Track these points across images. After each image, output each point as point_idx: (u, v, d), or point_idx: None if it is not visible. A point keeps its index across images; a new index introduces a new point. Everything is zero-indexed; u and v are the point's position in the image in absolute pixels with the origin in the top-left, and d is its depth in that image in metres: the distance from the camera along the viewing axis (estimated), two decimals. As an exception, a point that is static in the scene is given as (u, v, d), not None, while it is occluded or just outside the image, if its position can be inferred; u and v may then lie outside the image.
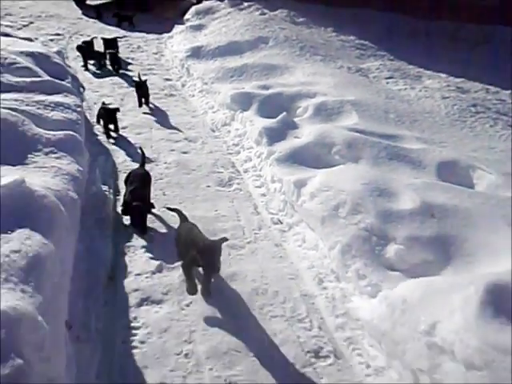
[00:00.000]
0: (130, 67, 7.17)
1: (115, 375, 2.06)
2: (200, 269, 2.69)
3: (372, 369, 2.24)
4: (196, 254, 2.51)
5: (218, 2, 10.15)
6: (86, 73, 6.76)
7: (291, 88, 5.42)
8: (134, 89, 5.63)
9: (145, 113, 5.41)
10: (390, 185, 3.12)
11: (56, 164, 2.97)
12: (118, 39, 7.78)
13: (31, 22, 9.88)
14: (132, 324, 2.37)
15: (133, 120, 5.14)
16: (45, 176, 2.75)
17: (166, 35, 9.28)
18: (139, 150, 3.81)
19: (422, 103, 5.66)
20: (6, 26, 7.86)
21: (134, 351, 2.20)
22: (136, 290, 2.60)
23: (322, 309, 2.62)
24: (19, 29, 8.87)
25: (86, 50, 6.88)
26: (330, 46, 7.46)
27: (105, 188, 3.61)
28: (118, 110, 4.76)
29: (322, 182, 3.23)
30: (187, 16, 9.94)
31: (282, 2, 9.08)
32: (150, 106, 5.57)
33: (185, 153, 4.50)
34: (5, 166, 2.71)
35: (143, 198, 3.20)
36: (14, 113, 3.23)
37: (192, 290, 2.55)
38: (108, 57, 6.81)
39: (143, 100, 5.50)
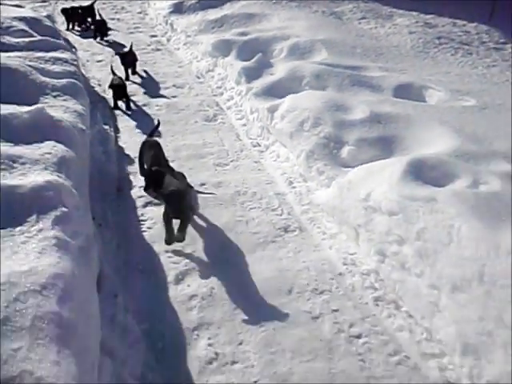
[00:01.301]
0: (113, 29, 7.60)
1: (130, 248, 2.76)
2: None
3: (327, 235, 2.94)
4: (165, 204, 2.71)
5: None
6: (74, 35, 7.23)
7: (267, 33, 5.94)
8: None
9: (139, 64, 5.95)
10: (347, 102, 3.75)
11: (64, 104, 3.57)
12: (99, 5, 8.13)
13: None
14: (140, 218, 3.05)
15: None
16: (56, 112, 3.36)
17: (148, -6, 9.63)
18: (156, 122, 3.86)
19: (390, 39, 6.19)
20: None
21: (144, 234, 2.90)
22: (141, 197, 3.27)
23: (291, 201, 3.30)
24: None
25: (69, 13, 7.33)
26: (306, -7, 7.86)
27: (106, 127, 4.24)
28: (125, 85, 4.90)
29: (289, 105, 3.86)
30: (167, -27, 10.21)
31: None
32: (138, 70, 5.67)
33: (174, 96, 5.10)
34: (23, 105, 3.33)
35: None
36: (23, 64, 3.82)
37: (168, 241, 2.72)
38: (94, 26, 7.13)
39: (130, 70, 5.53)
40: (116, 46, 6.58)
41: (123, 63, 5.42)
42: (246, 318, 2.29)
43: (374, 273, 2.59)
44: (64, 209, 2.03)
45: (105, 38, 6.94)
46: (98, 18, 7.18)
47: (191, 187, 3.08)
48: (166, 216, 2.77)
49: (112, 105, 4.74)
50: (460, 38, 6.41)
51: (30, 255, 1.71)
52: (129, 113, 4.65)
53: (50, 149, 2.50)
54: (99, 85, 5.35)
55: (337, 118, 3.53)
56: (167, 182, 2.77)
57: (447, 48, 5.99)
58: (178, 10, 7.62)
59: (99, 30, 6.94)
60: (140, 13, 8.72)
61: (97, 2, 7.61)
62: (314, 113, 3.61)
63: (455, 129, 3.29)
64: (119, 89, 4.67)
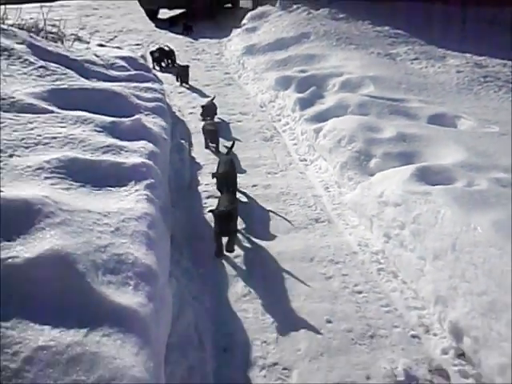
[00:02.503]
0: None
1: (194, 223, 3.66)
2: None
3: (349, 226, 3.66)
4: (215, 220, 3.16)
5: (271, 7, 11.80)
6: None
7: (324, 70, 6.86)
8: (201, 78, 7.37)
9: (210, 94, 7.10)
10: (379, 125, 4.49)
11: (152, 120, 4.66)
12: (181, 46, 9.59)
13: (116, 36, 12.13)
14: (203, 205, 3.96)
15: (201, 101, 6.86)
16: (148, 123, 4.44)
17: (225, 39, 11.06)
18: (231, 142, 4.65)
19: (437, 77, 6.84)
20: (99, 39, 10.09)
21: (204, 215, 3.79)
22: (205, 191, 4.20)
23: (325, 201, 4.06)
24: (108, 41, 11.09)
25: (156, 54, 8.77)
26: (365, 37, 8.77)
27: (182, 141, 5.30)
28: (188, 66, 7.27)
29: (331, 126, 4.67)
30: (244, 21, 11.65)
31: (326, 2, 10.51)
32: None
33: (239, 121, 6.10)
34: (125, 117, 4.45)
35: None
36: (124, 90, 5.01)
37: (217, 254, 3.18)
38: (178, 71, 7.86)
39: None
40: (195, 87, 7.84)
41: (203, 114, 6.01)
42: (274, 271, 3.07)
43: (381, 252, 3.27)
44: (152, 180, 2.98)
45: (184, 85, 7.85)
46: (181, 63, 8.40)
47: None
48: (215, 232, 3.20)
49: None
50: (506, 77, 6.90)
51: (131, 202, 2.65)
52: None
53: (144, 144, 3.51)
54: (179, 110, 6.52)
55: (368, 136, 4.28)
56: (220, 202, 3.32)
57: (491, 85, 6.52)
58: (249, 51, 8.83)
59: (181, 74, 7.79)
60: (217, 54, 10.10)
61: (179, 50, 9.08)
62: (349, 132, 4.39)
63: (468, 147, 3.91)
64: (211, 133, 5.20)
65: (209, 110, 5.98)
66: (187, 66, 7.79)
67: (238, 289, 2.91)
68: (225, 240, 3.23)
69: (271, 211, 3.87)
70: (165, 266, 2.54)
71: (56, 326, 1.68)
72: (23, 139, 3.07)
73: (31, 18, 7.55)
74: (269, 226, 3.65)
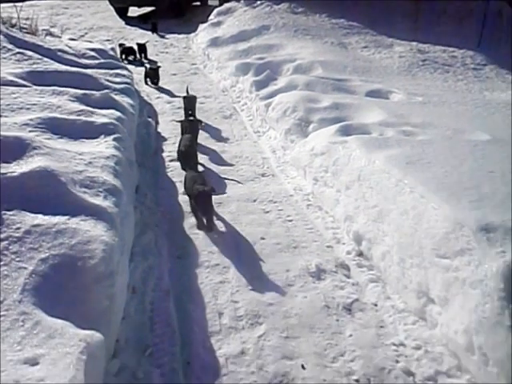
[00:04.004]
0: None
1: (158, 178, 4.37)
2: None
3: (289, 177, 4.43)
4: (193, 202, 3.56)
5: (236, 3, 12.57)
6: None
7: (279, 57, 7.67)
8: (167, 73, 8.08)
9: (177, 82, 7.81)
10: (318, 98, 5.29)
11: (121, 98, 5.36)
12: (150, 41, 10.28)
13: (86, 33, 12.72)
14: (166, 166, 4.68)
15: (167, 87, 7.56)
16: (116, 98, 5.13)
17: (193, 34, 11.79)
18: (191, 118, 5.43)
19: (381, 61, 7.72)
20: (71, 36, 10.70)
21: (167, 173, 4.50)
22: (168, 156, 4.91)
23: (271, 161, 4.83)
24: (79, 38, 11.68)
25: (124, 48, 9.43)
26: (321, 28, 9.62)
27: (149, 119, 6.00)
28: (158, 68, 7.46)
29: (278, 100, 5.45)
30: (210, 17, 12.40)
31: (286, -3, 11.35)
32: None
33: (202, 103, 6.84)
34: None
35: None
36: (95, 74, 5.69)
37: (199, 227, 3.52)
38: (146, 73, 7.83)
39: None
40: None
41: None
42: (223, 208, 3.81)
43: (311, 193, 4.05)
44: (119, 135, 3.70)
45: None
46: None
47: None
48: (195, 210, 3.60)
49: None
50: (444, 61, 7.83)
51: (101, 148, 3.36)
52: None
53: (112, 112, 4.21)
54: (147, 96, 7.22)
55: (308, 106, 5.07)
56: (195, 181, 3.59)
57: (428, 68, 7.43)
58: (214, 43, 9.58)
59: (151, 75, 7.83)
60: (185, 48, 10.84)
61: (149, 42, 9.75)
62: (293, 104, 5.17)
63: (389, 111, 4.73)
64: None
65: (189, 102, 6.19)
66: (157, 68, 7.71)
67: (191, 220, 3.64)
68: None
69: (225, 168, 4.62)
70: (129, 194, 3.26)
71: (46, 214, 2.39)
72: (9, 105, 3.74)
73: (3, 16, 8.16)
74: (221, 182, 4.40)
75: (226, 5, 12.75)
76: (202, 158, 4.83)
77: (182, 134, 4.96)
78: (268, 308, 2.70)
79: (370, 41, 9.03)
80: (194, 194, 3.49)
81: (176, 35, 12.10)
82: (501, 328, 2.07)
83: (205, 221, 3.53)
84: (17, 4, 10.99)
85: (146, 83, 7.78)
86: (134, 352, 2.33)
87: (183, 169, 4.38)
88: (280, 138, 5.12)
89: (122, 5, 14.53)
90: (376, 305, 2.77)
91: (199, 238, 3.41)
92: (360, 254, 3.22)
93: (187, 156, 4.38)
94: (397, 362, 2.34)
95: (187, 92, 6.12)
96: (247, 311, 2.67)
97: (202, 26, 11.61)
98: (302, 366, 2.30)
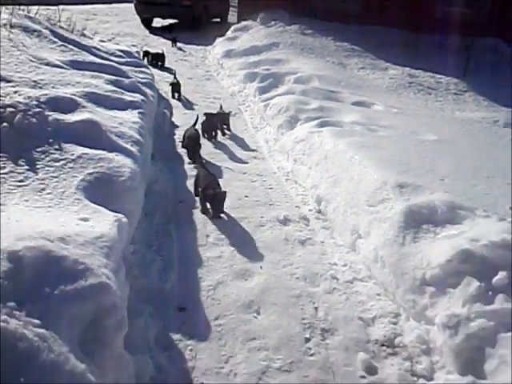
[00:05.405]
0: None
1: (168, 154, 5.43)
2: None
3: (276, 160, 5.48)
4: (205, 198, 3.98)
5: (253, 22, 13.88)
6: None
7: (284, 70, 8.81)
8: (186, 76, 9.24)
9: (191, 85, 8.96)
10: (308, 101, 6.37)
11: (144, 89, 6.48)
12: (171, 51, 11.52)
13: (113, 38, 14.02)
14: (176, 145, 5.74)
15: (183, 88, 8.70)
16: (141, 86, 6.24)
17: (210, 46, 13.06)
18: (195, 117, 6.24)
19: (373, 81, 8.83)
20: (100, 39, 11.98)
21: (178, 151, 5.56)
22: (178, 138, 5.97)
23: (264, 149, 5.89)
24: (106, 41, 12.99)
25: (147, 54, 10.65)
26: (325, 49, 10.80)
27: (165, 111, 7.11)
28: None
29: (275, 101, 6.55)
30: (228, 32, 13.69)
31: (298, 20, 12.60)
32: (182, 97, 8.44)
33: (212, 102, 7.95)
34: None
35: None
36: (123, 68, 6.83)
37: (204, 212, 4.00)
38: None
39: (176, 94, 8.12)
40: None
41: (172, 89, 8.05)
42: (219, 175, 4.84)
43: (291, 171, 5.08)
44: (142, 110, 4.78)
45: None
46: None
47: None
48: (203, 201, 4.03)
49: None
50: (429, 85, 8.93)
51: (129, 116, 4.43)
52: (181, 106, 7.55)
53: (138, 95, 5.31)
54: (165, 93, 8.36)
55: (298, 107, 6.14)
56: (209, 181, 4.04)
57: (413, 89, 8.52)
58: (228, 55, 10.79)
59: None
60: (202, 57, 12.07)
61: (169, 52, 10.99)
62: (286, 104, 6.26)
63: (363, 116, 5.79)
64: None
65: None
66: (178, 83, 8.14)
67: (191, 181, 4.68)
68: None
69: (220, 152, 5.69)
70: (147, 148, 4.32)
71: (91, 148, 3.44)
72: (60, 80, 4.84)
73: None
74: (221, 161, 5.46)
75: (244, 23, 14.08)
76: (206, 147, 5.90)
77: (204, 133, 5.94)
78: (242, 236, 3.72)
79: (367, 63, 10.16)
80: (210, 194, 3.91)
81: (195, 46, 13.38)
82: (395, 244, 3.07)
83: (212, 212, 4.00)
84: (49, 7, 12.42)
85: (173, 97, 8.13)
86: (143, 248, 3.35)
87: (189, 157, 5.36)
88: (273, 132, 6.18)
89: (148, 16, 15.90)
90: (323, 242, 3.77)
91: (197, 192, 4.46)
92: (319, 212, 4.23)
93: (193, 144, 5.39)
94: (327, 271, 3.34)
95: (221, 108, 6.68)
96: (226, 235, 3.69)
97: (219, 40, 12.87)
98: (260, 267, 3.31)
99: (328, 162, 4.41)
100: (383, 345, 2.69)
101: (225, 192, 4.01)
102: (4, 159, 3.03)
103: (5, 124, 3.27)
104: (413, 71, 9.86)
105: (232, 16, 18.34)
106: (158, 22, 16.70)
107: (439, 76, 9.66)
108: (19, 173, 2.97)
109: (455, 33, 12.23)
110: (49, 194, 2.87)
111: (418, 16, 12.86)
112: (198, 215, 4.00)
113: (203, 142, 5.61)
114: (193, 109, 7.47)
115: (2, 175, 2.90)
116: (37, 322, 1.78)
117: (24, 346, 1.66)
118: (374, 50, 11.30)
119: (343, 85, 8.12)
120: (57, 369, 1.68)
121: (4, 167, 2.97)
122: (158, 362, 2.37)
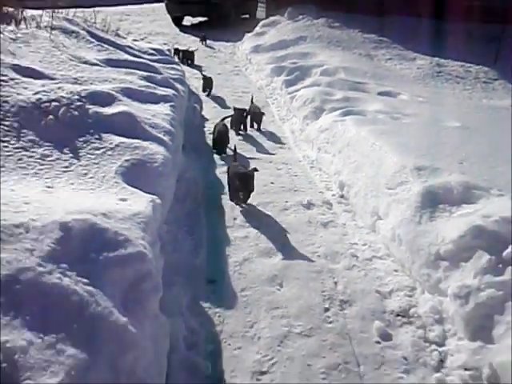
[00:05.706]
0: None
1: (198, 142, 5.71)
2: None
3: (301, 149, 5.67)
4: (237, 182, 4.03)
5: (280, 17, 14.04)
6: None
7: (311, 63, 8.96)
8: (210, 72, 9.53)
9: (220, 79, 9.24)
10: (333, 92, 6.52)
11: (175, 84, 6.79)
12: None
13: (145, 37, 14.49)
14: (206, 136, 6.02)
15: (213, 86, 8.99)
16: (173, 82, 6.55)
17: (239, 42, 13.31)
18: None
19: (400, 71, 8.86)
20: (133, 38, 12.44)
21: (207, 141, 5.83)
22: (207, 130, 6.25)
23: (290, 139, 6.10)
24: (139, 40, 13.46)
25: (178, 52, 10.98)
26: (353, 41, 10.87)
27: (195, 105, 7.41)
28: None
29: (300, 93, 6.73)
30: (256, 28, 13.91)
31: (326, 13, 12.68)
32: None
33: (240, 97, 8.20)
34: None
35: None
36: (156, 65, 7.16)
37: (232, 199, 4.17)
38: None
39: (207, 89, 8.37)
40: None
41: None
42: (246, 164, 5.09)
43: (316, 160, 5.27)
44: (173, 103, 5.07)
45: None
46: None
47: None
48: (233, 188, 4.13)
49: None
50: (458, 74, 8.89)
51: (162, 109, 4.73)
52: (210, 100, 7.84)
53: (170, 90, 5.62)
54: (195, 88, 8.68)
55: (323, 98, 6.31)
56: (239, 167, 4.21)
57: (441, 78, 8.51)
58: (256, 50, 11.01)
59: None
60: (231, 53, 12.35)
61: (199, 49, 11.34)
62: (311, 96, 6.44)
63: (387, 105, 5.90)
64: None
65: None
66: (210, 78, 8.45)
67: (222, 169, 4.93)
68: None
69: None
70: (178, 138, 4.61)
71: (127, 138, 3.74)
72: (97, 77, 5.19)
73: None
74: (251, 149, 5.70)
75: (272, 18, 14.26)
76: (233, 139, 6.16)
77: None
78: (267, 219, 3.96)
79: (395, 54, 10.18)
80: (240, 174, 4.04)
81: (224, 43, 13.67)
82: (412, 223, 3.23)
83: (241, 195, 4.08)
84: (85, 10, 12.98)
85: (204, 91, 8.40)
86: (175, 228, 3.63)
87: (215, 148, 5.53)
88: (299, 123, 6.38)
89: (179, 14, 16.30)
90: (344, 224, 3.96)
91: (224, 176, 4.71)
92: (341, 196, 4.41)
93: (222, 139, 5.59)
94: (348, 250, 3.53)
95: (252, 102, 6.82)
96: (253, 218, 3.93)
97: (247, 36, 13.11)
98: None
99: (350, 149, 4.58)
100: (398, 315, 2.87)
101: (254, 169, 4.15)
102: (51, 148, 3.37)
103: (50, 117, 3.61)
104: (442, 61, 9.82)
105: (260, 12, 18.52)
106: (187, 21, 17.08)
107: (468, 65, 9.59)
108: (64, 160, 3.30)
109: (485, 21, 12.01)
110: (91, 178, 3.18)
111: (448, 5, 12.71)
112: (226, 201, 4.25)
113: (231, 134, 5.87)
114: (221, 103, 7.74)
115: (50, 162, 3.24)
116: (85, 280, 2.07)
117: (75, 299, 1.95)
118: (403, 40, 11.26)
119: (369, 76, 8.21)
120: (103, 319, 1.97)
121: (51, 155, 3.31)
122: (189, 324, 2.64)
